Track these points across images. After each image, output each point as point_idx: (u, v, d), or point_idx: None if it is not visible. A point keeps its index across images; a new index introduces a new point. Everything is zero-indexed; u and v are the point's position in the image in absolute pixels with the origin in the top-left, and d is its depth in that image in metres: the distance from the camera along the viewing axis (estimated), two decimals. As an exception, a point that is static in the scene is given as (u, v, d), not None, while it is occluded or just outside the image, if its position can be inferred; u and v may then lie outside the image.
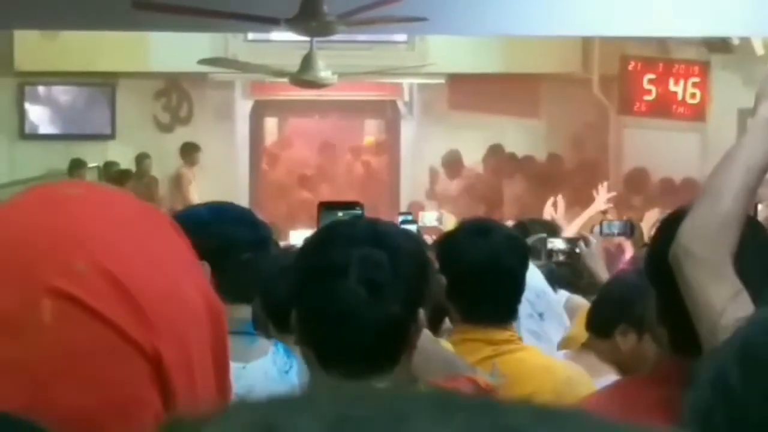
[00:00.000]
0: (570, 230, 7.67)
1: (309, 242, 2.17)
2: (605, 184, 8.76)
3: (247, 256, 2.79)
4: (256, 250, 2.83)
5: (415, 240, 2.26)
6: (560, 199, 8.09)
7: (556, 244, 5.38)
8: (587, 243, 5.15)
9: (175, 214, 3.43)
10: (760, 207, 4.71)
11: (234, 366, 2.79)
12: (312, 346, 2.09)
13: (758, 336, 1.19)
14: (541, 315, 4.29)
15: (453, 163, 14.92)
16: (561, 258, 5.30)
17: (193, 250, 1.12)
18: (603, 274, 4.60)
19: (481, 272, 3.18)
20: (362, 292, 2.00)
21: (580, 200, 9.63)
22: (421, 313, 2.08)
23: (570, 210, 8.54)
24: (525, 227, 5.99)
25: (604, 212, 8.36)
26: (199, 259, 1.12)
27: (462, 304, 3.25)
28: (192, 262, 1.10)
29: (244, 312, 2.84)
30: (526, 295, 3.48)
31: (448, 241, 3.38)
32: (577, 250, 5.13)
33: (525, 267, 3.40)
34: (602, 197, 8.45)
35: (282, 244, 7.27)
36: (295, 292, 2.14)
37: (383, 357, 2.06)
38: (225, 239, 2.76)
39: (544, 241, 5.74)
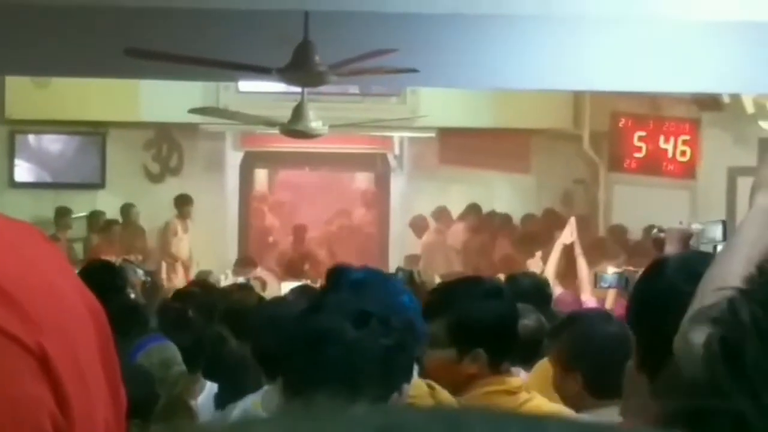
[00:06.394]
0: (547, 270, 7.83)
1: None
2: (572, 219, 8.92)
3: None
4: None
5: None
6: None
7: None
8: None
9: None
10: None
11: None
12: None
13: None
14: None
15: (441, 218, 14.90)
16: None
17: (65, 257, 1.15)
18: None
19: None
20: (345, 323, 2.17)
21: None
22: (405, 388, 2.25)
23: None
24: (516, 280, 6.13)
25: (571, 245, 8.46)
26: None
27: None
28: (67, 266, 1.12)
29: None
30: None
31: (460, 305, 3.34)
32: None
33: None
34: (567, 231, 8.55)
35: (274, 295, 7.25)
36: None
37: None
38: None
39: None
